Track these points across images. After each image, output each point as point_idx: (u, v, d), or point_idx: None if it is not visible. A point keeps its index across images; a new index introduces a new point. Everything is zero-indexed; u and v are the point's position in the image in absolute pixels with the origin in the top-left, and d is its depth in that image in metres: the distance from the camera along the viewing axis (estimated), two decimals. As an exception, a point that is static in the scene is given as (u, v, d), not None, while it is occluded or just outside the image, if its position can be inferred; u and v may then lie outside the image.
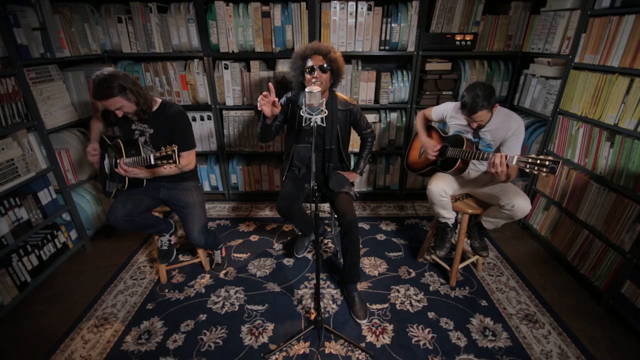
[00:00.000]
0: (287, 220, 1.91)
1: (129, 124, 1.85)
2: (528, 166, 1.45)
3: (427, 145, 2.00)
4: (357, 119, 2.00)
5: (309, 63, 1.77)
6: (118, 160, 1.72)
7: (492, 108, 1.71)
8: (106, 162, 1.95)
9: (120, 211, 1.72)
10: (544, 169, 1.39)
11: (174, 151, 1.54)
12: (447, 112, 1.98)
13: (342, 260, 1.95)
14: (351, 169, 2.12)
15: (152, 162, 1.61)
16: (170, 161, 1.55)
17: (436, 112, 2.05)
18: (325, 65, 1.76)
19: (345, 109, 1.93)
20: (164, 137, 1.81)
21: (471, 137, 1.87)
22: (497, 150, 1.85)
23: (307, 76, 1.78)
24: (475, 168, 1.96)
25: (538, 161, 1.42)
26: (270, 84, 1.72)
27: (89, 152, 1.91)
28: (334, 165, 1.98)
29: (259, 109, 1.72)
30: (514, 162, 1.51)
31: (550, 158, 1.38)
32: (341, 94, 1.99)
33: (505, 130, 1.78)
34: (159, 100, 1.85)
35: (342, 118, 1.94)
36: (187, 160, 1.86)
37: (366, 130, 2.06)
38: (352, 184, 2.06)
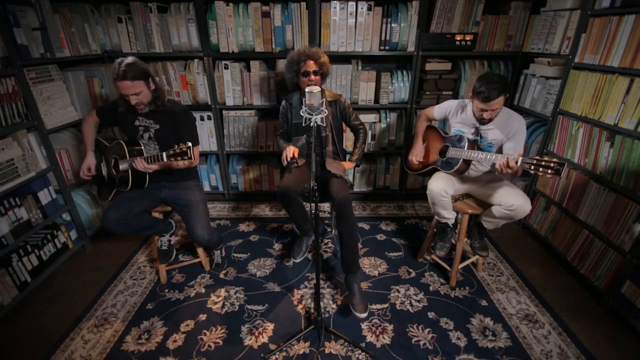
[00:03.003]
0: (285, 207, 1.95)
1: (131, 121, 1.86)
2: (533, 167, 1.45)
3: (416, 152, 2.06)
4: (346, 112, 2.14)
5: (304, 68, 1.95)
6: (134, 160, 1.73)
7: (506, 96, 1.70)
8: (103, 166, 1.95)
9: (114, 215, 1.72)
10: (549, 171, 1.39)
11: (189, 148, 1.62)
12: (451, 109, 1.98)
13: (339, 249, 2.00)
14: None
15: (165, 159, 1.67)
16: (186, 157, 1.64)
17: (439, 110, 2.04)
18: (317, 69, 1.97)
19: (333, 99, 2.09)
20: (169, 133, 1.86)
21: (472, 137, 1.87)
22: (499, 149, 1.85)
23: (303, 79, 1.98)
24: (476, 168, 1.96)
25: (543, 162, 1.41)
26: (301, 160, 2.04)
27: (83, 170, 1.93)
28: (331, 150, 2.08)
29: (284, 163, 1.94)
30: (519, 164, 1.51)
31: (555, 160, 1.38)
32: (327, 90, 2.17)
33: (507, 129, 1.78)
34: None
35: (332, 109, 2.09)
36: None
37: (355, 121, 2.18)
38: (347, 173, 2.12)
